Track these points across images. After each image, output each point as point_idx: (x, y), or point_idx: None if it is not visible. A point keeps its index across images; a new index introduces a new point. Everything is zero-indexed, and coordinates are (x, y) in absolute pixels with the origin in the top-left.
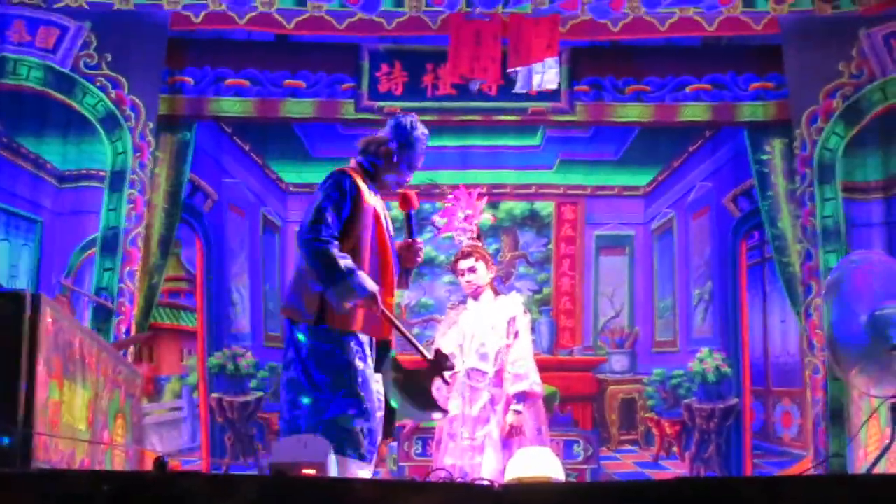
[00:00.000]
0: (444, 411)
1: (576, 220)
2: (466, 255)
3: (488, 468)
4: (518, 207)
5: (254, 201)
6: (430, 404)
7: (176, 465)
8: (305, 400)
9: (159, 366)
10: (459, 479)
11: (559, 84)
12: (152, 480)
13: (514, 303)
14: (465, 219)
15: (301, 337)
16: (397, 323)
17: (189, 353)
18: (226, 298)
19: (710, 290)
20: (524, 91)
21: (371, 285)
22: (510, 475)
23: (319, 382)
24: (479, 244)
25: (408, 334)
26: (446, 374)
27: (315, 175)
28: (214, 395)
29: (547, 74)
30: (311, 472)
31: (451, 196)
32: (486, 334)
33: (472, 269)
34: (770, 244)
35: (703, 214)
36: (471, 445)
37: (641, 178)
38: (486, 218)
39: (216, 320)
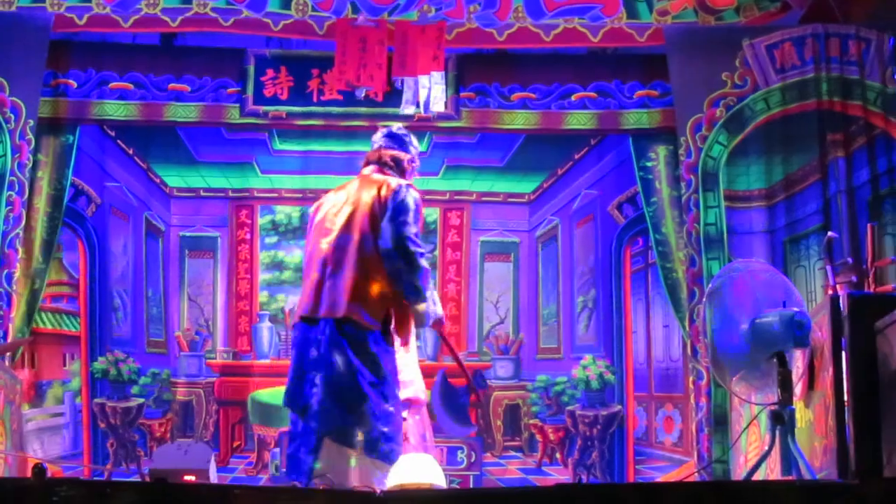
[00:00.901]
0: (476, 427)
1: (461, 226)
2: None
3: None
4: None
5: (137, 205)
6: (466, 420)
7: (57, 471)
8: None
9: (41, 371)
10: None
11: (445, 90)
12: (31, 487)
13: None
14: None
15: (364, 340)
16: (451, 343)
17: (72, 358)
18: (108, 303)
19: (594, 298)
20: (410, 108)
21: (440, 310)
22: (392, 482)
23: (387, 384)
24: None
25: (458, 354)
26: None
27: (198, 180)
28: (97, 400)
29: (434, 91)
30: (192, 478)
31: None
32: None
33: None
34: (654, 250)
35: (588, 222)
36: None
37: (527, 185)
38: None
39: (99, 325)
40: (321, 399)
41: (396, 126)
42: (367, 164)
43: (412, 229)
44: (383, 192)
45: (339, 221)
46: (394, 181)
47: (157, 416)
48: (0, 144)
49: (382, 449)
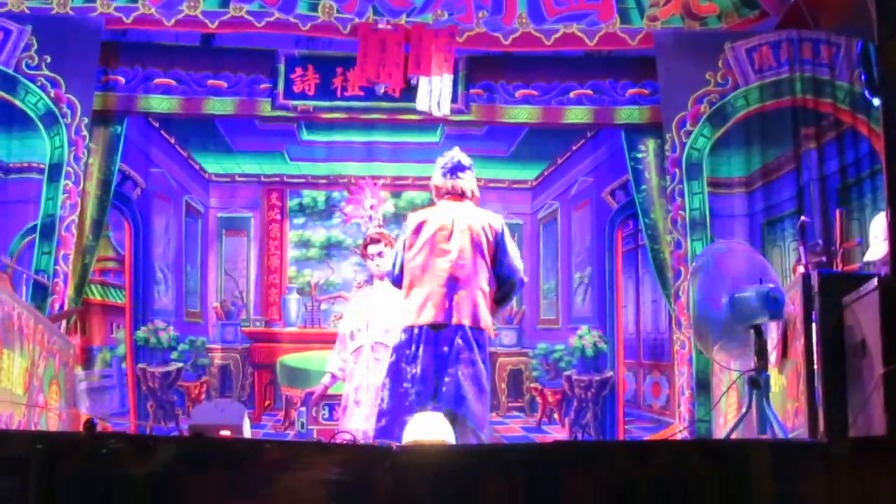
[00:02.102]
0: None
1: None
2: (375, 241)
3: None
4: (419, 197)
5: (178, 189)
6: None
7: (105, 427)
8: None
9: (90, 337)
10: (362, 441)
11: (457, 87)
12: (83, 440)
13: None
14: (371, 207)
15: (484, 343)
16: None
17: (117, 327)
18: (151, 277)
19: (589, 274)
20: (424, 106)
21: None
22: (407, 438)
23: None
24: (385, 230)
25: None
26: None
27: (234, 166)
28: (140, 365)
29: (444, 94)
30: (227, 433)
31: (356, 187)
32: (390, 311)
33: (380, 254)
34: (643, 233)
35: (584, 206)
36: (373, 412)
37: (529, 173)
38: (388, 207)
39: (142, 297)
40: (457, 386)
41: (466, 157)
42: (456, 193)
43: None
44: (494, 226)
45: (456, 246)
46: (497, 217)
47: (193, 379)
48: (58, 137)
49: (481, 424)
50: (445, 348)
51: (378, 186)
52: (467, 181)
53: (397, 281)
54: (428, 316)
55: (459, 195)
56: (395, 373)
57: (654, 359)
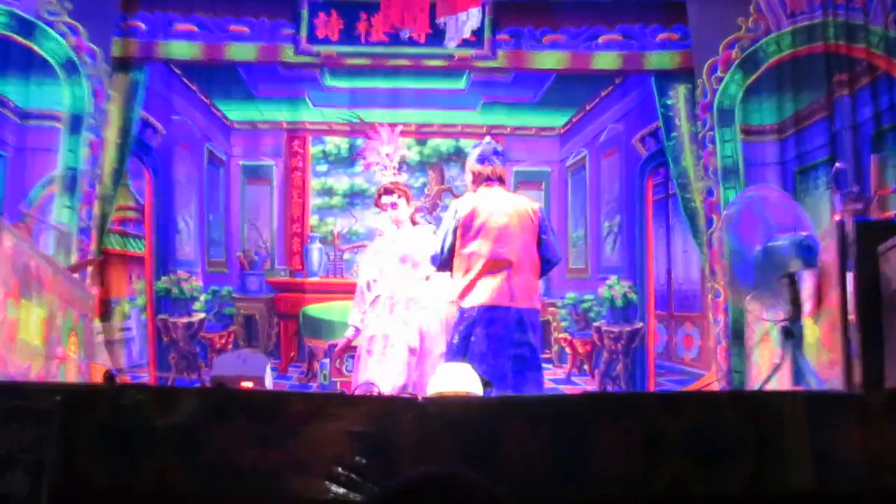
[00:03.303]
0: None
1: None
2: (388, 192)
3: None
4: (444, 145)
5: (200, 137)
6: None
7: (125, 379)
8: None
9: (109, 288)
10: (388, 393)
11: (483, 32)
12: (102, 391)
13: (430, 235)
14: (387, 155)
15: (539, 324)
16: None
17: (137, 278)
18: (172, 227)
19: (618, 223)
20: (453, 42)
21: None
22: (432, 389)
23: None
24: (400, 180)
25: None
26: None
27: (256, 113)
28: (161, 316)
29: (470, 22)
30: (249, 384)
31: (373, 131)
32: (404, 261)
33: (393, 205)
34: (674, 181)
35: (614, 153)
36: (384, 361)
37: (558, 120)
38: (412, 155)
39: (163, 247)
40: (510, 367)
41: (496, 143)
42: (494, 179)
43: None
44: (538, 213)
45: (511, 232)
46: (535, 204)
47: (218, 329)
48: (78, 87)
49: None
50: (502, 330)
51: (395, 133)
52: (502, 167)
53: (443, 264)
54: (485, 297)
55: (499, 180)
56: (450, 351)
57: (685, 310)
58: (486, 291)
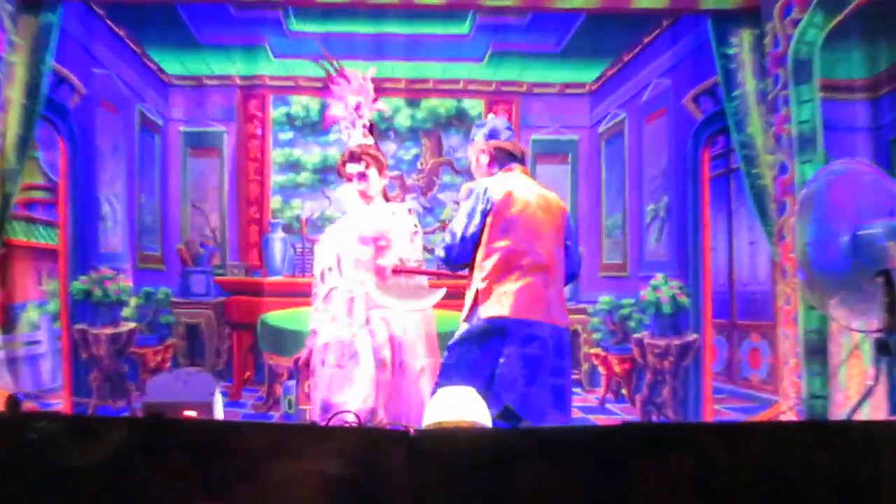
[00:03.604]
0: None
1: (510, 122)
2: (355, 158)
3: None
4: (443, 106)
5: (129, 96)
6: None
7: (32, 406)
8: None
9: (12, 291)
10: (369, 423)
11: None
12: (4, 421)
13: (407, 215)
14: (356, 108)
15: (568, 347)
16: None
17: (48, 277)
18: (94, 211)
19: (666, 206)
20: None
21: None
22: (430, 419)
23: None
24: (371, 143)
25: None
26: None
27: (202, 66)
28: (78, 325)
29: None
30: (192, 414)
31: (338, 76)
32: (366, 245)
33: (361, 176)
34: (737, 153)
35: (659, 116)
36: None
37: (587, 74)
38: (402, 119)
39: (82, 237)
40: (545, 398)
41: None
42: (518, 159)
43: None
44: (566, 214)
45: (548, 231)
46: (563, 202)
47: (153, 343)
48: None
49: None
50: (539, 352)
51: (367, 77)
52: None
53: (461, 256)
54: (520, 308)
55: (521, 161)
56: (461, 371)
57: (752, 318)
58: (521, 300)
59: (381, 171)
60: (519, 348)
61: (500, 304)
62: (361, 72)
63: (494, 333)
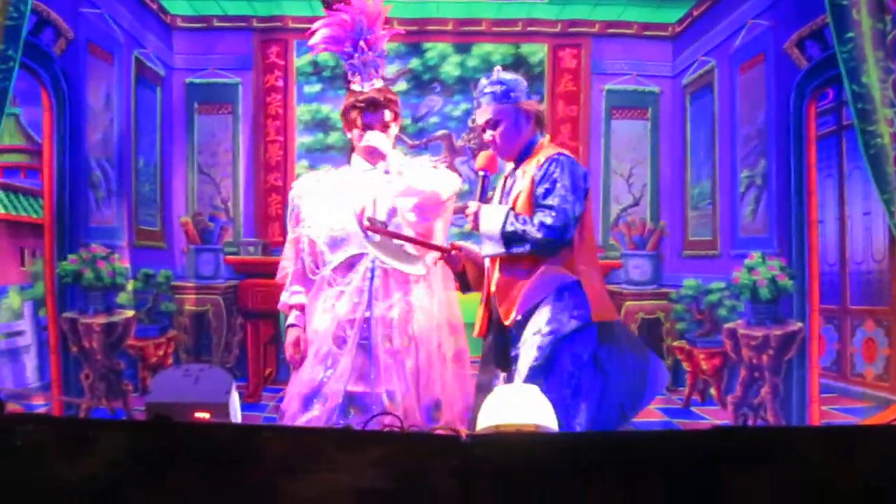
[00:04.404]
0: None
1: (578, 70)
2: (376, 105)
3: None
4: (497, 52)
5: (125, 41)
6: None
7: (15, 409)
8: None
9: None
10: (415, 427)
11: None
12: None
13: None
14: (369, 44)
15: None
16: None
17: (32, 256)
18: (84, 177)
19: (763, 172)
20: None
21: None
22: (485, 421)
23: None
24: (390, 88)
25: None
26: None
27: (212, 4)
28: (67, 314)
29: None
30: (205, 416)
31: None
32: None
33: (385, 126)
34: (850, 107)
35: (757, 65)
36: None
37: (670, 13)
38: (449, 68)
39: (70, 209)
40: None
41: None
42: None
43: None
44: None
45: None
46: None
47: (153, 334)
48: None
49: None
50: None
51: (376, 3)
52: None
53: (561, 238)
54: (612, 311)
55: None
56: (586, 384)
57: (866, 302)
58: (608, 300)
59: (397, 122)
60: (614, 354)
61: (598, 305)
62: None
63: (592, 339)
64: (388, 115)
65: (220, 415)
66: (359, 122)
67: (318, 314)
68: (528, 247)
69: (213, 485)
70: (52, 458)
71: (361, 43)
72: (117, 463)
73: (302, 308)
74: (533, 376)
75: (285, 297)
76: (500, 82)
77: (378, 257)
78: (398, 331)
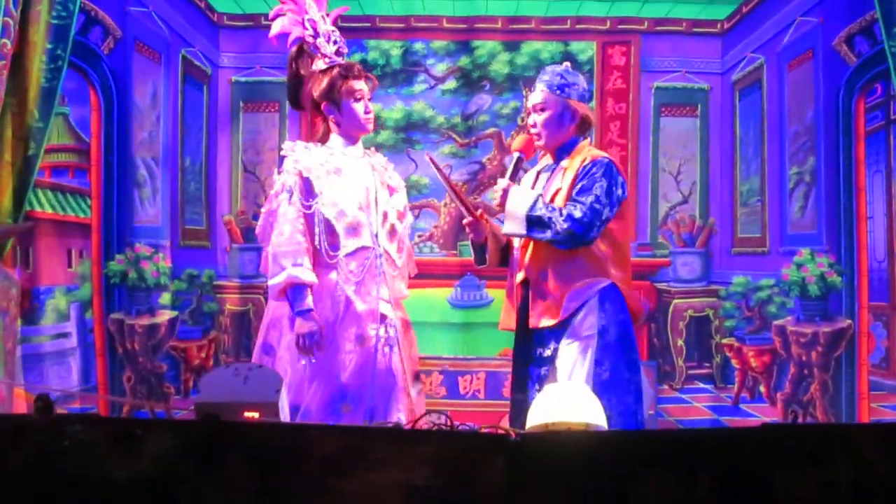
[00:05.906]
0: None
1: (627, 68)
2: (363, 76)
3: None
4: (546, 49)
5: (172, 39)
6: None
7: (60, 411)
8: None
9: (37, 273)
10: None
11: None
12: (33, 425)
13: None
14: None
15: None
16: None
17: (80, 256)
18: (130, 176)
19: (812, 168)
20: None
21: None
22: (534, 419)
23: None
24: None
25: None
26: None
27: (259, 2)
28: (115, 315)
29: None
30: (255, 415)
31: None
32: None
33: (367, 110)
34: None
35: (805, 61)
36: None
37: (719, 10)
38: (498, 66)
39: (117, 208)
40: None
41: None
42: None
43: None
44: None
45: None
46: None
47: (196, 335)
48: None
49: None
50: None
51: None
52: None
53: (584, 235)
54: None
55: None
56: (627, 387)
57: None
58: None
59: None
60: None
61: (637, 306)
62: None
63: (631, 340)
64: (368, 85)
65: (270, 414)
66: (350, 91)
67: (330, 305)
68: (549, 234)
69: (264, 483)
70: (101, 458)
71: (314, 16)
72: (167, 462)
73: (311, 289)
74: (597, 388)
75: (298, 272)
76: (560, 75)
77: (384, 251)
78: (388, 323)
